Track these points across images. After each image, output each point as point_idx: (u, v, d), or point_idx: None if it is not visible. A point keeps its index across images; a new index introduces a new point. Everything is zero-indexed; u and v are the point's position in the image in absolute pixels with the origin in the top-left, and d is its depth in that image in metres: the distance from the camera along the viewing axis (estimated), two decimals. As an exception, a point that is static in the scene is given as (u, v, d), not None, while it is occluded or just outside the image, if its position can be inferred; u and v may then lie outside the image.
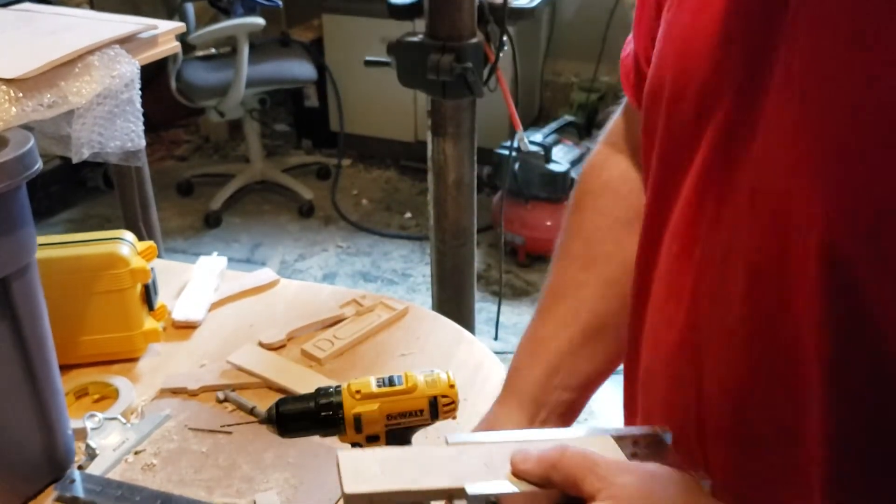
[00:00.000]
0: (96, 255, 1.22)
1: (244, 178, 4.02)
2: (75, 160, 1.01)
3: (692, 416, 0.66)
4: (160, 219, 2.59)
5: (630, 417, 0.79)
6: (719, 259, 0.61)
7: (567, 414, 0.80)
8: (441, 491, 0.66)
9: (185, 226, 3.87)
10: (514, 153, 3.26)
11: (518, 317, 3.16)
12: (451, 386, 0.91)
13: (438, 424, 0.92)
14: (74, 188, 4.05)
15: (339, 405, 0.89)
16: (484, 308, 3.15)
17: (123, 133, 1.04)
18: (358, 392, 0.90)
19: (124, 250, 1.23)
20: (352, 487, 0.67)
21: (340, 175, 4.16)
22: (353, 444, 0.91)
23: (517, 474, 0.64)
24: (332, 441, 1.10)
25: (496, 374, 1.25)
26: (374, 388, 0.90)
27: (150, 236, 2.23)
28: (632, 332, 0.76)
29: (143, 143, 1.09)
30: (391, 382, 0.91)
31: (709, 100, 0.61)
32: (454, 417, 0.93)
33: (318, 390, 0.91)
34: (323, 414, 0.89)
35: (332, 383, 0.93)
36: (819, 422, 0.56)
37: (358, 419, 0.89)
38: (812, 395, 0.56)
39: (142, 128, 1.11)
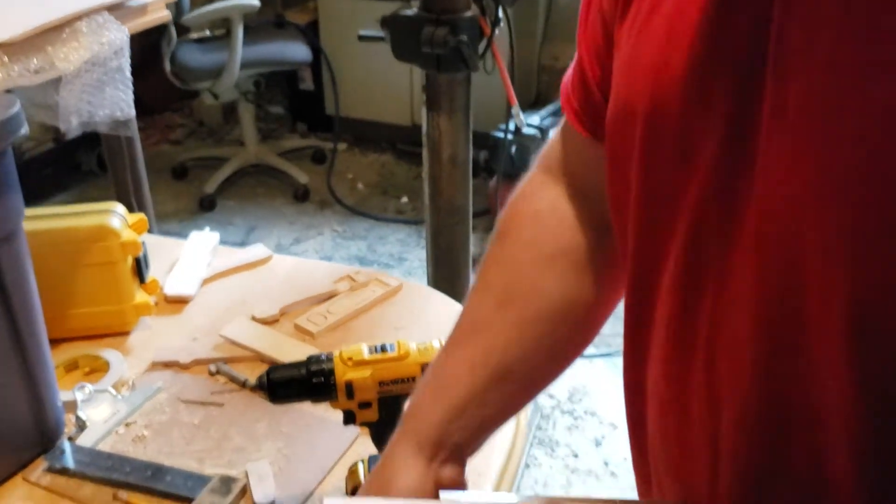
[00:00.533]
0: (86, 228, 1.20)
1: (239, 162, 4.00)
2: (63, 128, 1.00)
3: (706, 484, 0.62)
4: (155, 202, 2.58)
5: (642, 479, 0.76)
6: (732, 314, 0.57)
7: (463, 453, 0.76)
8: None
9: (179, 209, 3.85)
10: (510, 135, 3.25)
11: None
12: (444, 353, 0.90)
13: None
14: (68, 171, 4.02)
15: (331, 372, 0.88)
16: (480, 291, 3.13)
17: (112, 101, 1.03)
18: (350, 359, 0.89)
19: (115, 222, 1.21)
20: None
21: (336, 159, 4.13)
22: (346, 411, 0.90)
23: None
24: (325, 412, 1.10)
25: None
26: (367, 356, 0.89)
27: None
28: (631, 387, 0.72)
29: (132, 112, 1.08)
30: (383, 350, 0.90)
31: (695, 136, 0.57)
32: (447, 385, 0.92)
33: (310, 358, 0.90)
34: (314, 380, 0.88)
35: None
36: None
37: (350, 386, 0.88)
38: (838, 474, 0.53)
39: (132, 97, 1.10)
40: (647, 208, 0.63)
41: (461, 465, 0.75)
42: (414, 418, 0.76)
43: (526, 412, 2.54)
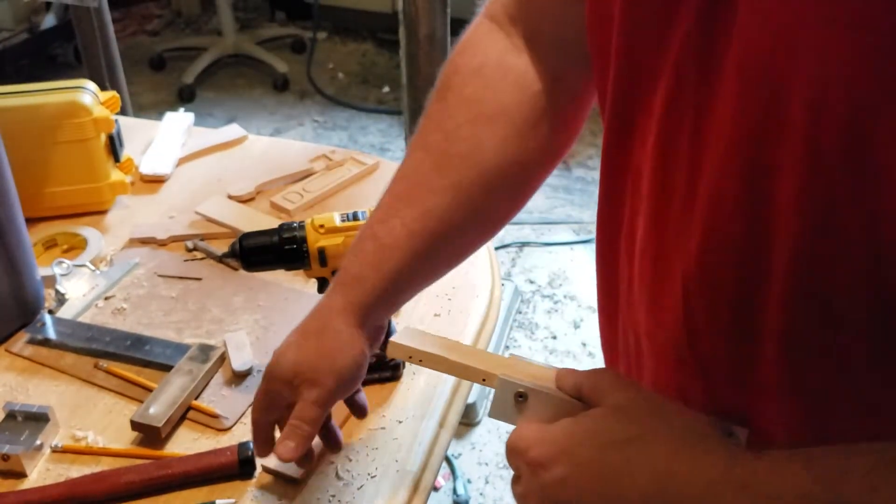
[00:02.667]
0: (57, 104, 1.20)
1: (217, 52, 3.92)
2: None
3: (678, 308, 0.62)
4: (133, 94, 2.53)
5: (606, 319, 0.76)
6: (712, 148, 0.56)
7: (380, 330, 0.80)
8: (476, 370, 0.68)
9: (158, 101, 3.80)
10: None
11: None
12: (416, 221, 0.91)
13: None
14: (44, 63, 3.94)
15: (303, 239, 0.89)
16: (462, 180, 3.14)
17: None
18: (322, 226, 0.90)
19: (86, 99, 1.20)
20: (397, 339, 0.72)
21: (316, 48, 4.05)
22: (319, 279, 0.92)
23: (558, 384, 0.65)
24: (302, 286, 1.12)
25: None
26: (338, 223, 0.90)
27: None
28: (605, 229, 0.71)
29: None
30: (355, 217, 0.91)
31: None
32: (419, 252, 0.93)
33: (282, 225, 0.91)
34: (286, 247, 0.89)
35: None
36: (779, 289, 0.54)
37: (322, 252, 0.89)
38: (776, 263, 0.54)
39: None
40: (629, 45, 0.62)
41: (374, 339, 0.79)
42: (351, 287, 0.76)
43: (506, 296, 2.55)
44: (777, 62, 0.50)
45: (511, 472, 0.64)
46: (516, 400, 0.65)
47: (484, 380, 0.68)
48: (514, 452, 0.61)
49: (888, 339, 0.52)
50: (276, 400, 0.78)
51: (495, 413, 0.66)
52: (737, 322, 0.57)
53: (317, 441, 0.89)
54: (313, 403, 0.75)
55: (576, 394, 0.63)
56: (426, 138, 0.78)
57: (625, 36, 0.62)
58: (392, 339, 0.72)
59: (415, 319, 1.07)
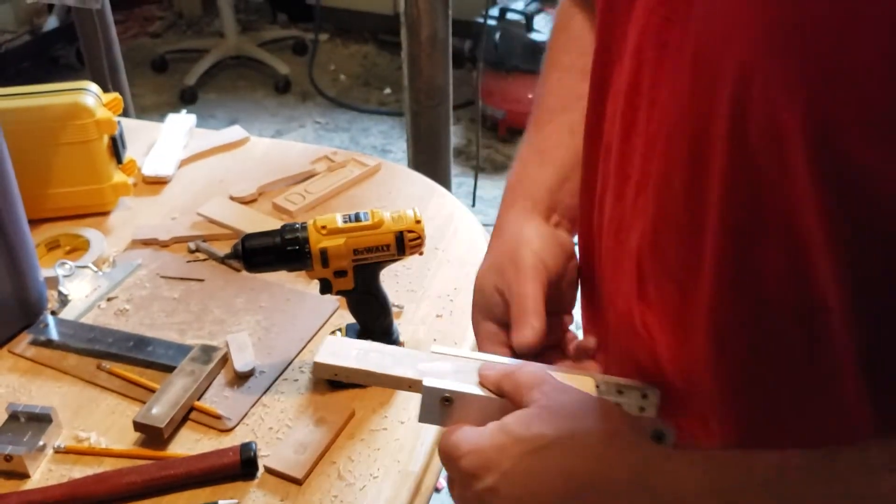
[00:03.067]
0: (60, 105, 1.20)
1: (219, 53, 3.93)
2: None
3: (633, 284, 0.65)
4: (135, 96, 2.53)
5: (587, 301, 0.78)
6: (667, 90, 0.58)
7: (575, 219, 0.76)
8: (401, 379, 0.68)
9: (160, 102, 3.80)
10: (493, 21, 3.19)
11: (497, 190, 3.15)
12: (418, 222, 0.91)
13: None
14: (47, 65, 3.95)
15: (305, 240, 0.89)
16: (464, 182, 3.14)
17: (79, -28, 1.00)
18: (324, 227, 0.90)
19: (89, 100, 1.21)
20: (322, 358, 0.70)
21: (317, 50, 4.06)
22: (322, 280, 0.92)
23: (480, 381, 0.66)
24: (304, 286, 1.12)
25: (467, 224, 1.26)
26: (340, 224, 0.90)
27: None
28: (588, 191, 0.72)
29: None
30: (357, 218, 0.91)
31: None
32: (420, 253, 0.94)
33: (284, 226, 0.91)
34: (289, 248, 0.89)
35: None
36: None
37: (324, 253, 0.89)
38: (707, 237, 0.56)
39: (99, -32, 1.07)
40: (607, 22, 0.64)
41: (574, 230, 0.76)
42: (522, 185, 0.76)
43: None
44: (714, 54, 0.51)
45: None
46: (442, 404, 0.65)
47: (410, 387, 0.68)
48: (447, 460, 0.62)
49: (814, 332, 0.53)
50: (491, 311, 0.73)
51: (424, 418, 0.67)
52: (681, 295, 0.60)
53: (318, 440, 0.89)
54: (524, 283, 0.70)
55: (498, 392, 0.64)
56: (559, 61, 0.80)
57: (603, 12, 0.65)
58: (315, 359, 0.71)
59: (416, 320, 1.07)
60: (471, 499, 0.60)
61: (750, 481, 0.52)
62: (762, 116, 0.49)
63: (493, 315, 0.72)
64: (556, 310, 0.72)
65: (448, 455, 0.61)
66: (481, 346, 0.73)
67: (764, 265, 0.53)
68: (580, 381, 0.66)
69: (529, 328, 0.67)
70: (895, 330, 0.50)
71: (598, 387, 0.66)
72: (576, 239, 0.77)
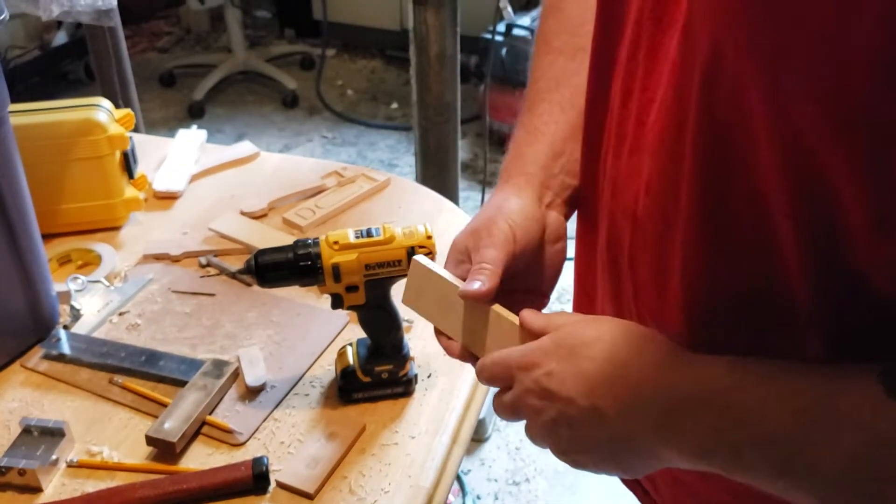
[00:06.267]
0: (72, 122, 1.21)
1: (227, 69, 3.95)
2: (45, 17, 0.99)
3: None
4: (144, 110, 2.55)
5: (583, 292, 0.79)
6: (657, 79, 0.60)
7: (571, 201, 0.77)
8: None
9: (168, 117, 3.83)
10: (500, 36, 3.20)
11: (504, 205, 3.16)
12: (429, 237, 0.92)
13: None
14: (56, 80, 3.98)
15: (318, 255, 0.90)
16: (471, 196, 3.15)
17: (94, -10, 1.02)
18: (336, 243, 0.90)
19: (101, 117, 1.22)
20: (422, 260, 0.76)
21: (325, 65, 4.08)
22: (333, 295, 0.93)
23: (522, 324, 0.68)
24: (315, 301, 1.12)
25: (477, 239, 1.26)
26: (352, 239, 0.91)
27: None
28: (588, 182, 0.74)
29: (114, 1, 1.06)
30: (369, 234, 0.91)
31: None
32: (432, 269, 0.94)
33: (297, 242, 0.92)
34: (301, 264, 0.90)
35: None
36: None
37: (336, 269, 0.90)
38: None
39: (113, -14, 1.08)
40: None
41: (569, 211, 0.77)
42: (514, 164, 0.76)
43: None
44: (696, 27, 0.52)
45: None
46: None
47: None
48: (521, 368, 0.65)
49: (775, 294, 0.54)
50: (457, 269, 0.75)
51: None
52: (659, 261, 0.62)
53: (329, 455, 0.89)
54: (489, 248, 0.71)
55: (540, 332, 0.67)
56: (550, 43, 0.81)
57: None
58: (414, 258, 0.76)
59: (426, 335, 1.07)
60: (525, 393, 0.64)
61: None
62: (728, 92, 0.50)
63: (458, 272, 0.74)
64: (526, 287, 0.75)
65: (494, 363, 0.66)
66: None
67: (732, 232, 0.55)
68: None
69: (478, 282, 0.69)
70: (854, 295, 0.51)
71: None
72: (573, 234, 0.78)
